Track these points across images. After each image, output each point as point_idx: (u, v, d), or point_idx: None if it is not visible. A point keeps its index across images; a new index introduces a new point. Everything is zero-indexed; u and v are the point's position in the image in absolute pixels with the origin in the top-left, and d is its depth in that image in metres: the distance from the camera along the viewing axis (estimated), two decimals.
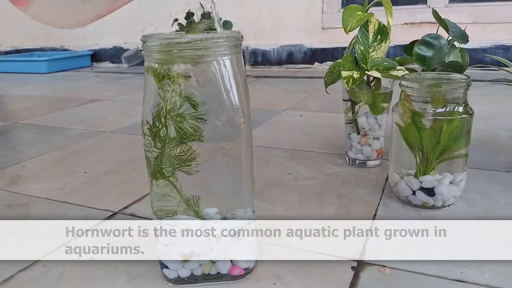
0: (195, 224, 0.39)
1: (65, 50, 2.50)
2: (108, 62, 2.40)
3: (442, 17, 0.60)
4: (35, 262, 0.46)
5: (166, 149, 0.37)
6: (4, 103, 1.44)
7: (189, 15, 1.94)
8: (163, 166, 0.38)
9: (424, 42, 0.58)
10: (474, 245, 0.46)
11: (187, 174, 0.38)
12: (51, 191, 0.65)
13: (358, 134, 0.69)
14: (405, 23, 1.74)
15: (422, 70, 0.60)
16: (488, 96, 1.17)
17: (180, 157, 0.37)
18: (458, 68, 0.58)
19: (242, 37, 0.38)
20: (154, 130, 0.37)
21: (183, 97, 0.36)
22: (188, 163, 0.37)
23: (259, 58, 2.04)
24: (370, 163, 0.70)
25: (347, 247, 0.47)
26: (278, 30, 2.00)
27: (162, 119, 0.36)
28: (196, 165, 0.37)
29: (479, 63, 1.54)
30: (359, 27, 0.62)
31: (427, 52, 0.58)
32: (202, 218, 0.39)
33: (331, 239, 0.49)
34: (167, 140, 0.37)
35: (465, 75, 0.52)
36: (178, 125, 0.36)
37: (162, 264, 0.41)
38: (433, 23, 1.70)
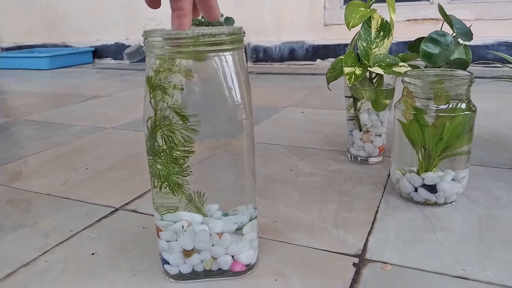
0: (196, 220, 0.39)
1: (67, 46, 2.50)
2: (110, 58, 2.40)
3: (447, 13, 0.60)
4: (37, 257, 0.46)
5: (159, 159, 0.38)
6: (5, 99, 1.44)
7: None
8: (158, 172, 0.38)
9: (431, 39, 0.58)
10: (476, 242, 0.46)
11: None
12: (53, 187, 0.65)
13: (360, 131, 0.69)
14: (407, 20, 1.73)
15: (425, 67, 0.60)
16: (490, 93, 1.16)
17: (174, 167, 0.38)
18: (462, 65, 0.57)
19: (244, 33, 0.37)
20: (148, 143, 0.37)
21: (172, 110, 0.36)
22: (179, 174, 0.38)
23: (261, 55, 2.04)
24: (372, 160, 0.70)
25: (349, 243, 0.47)
26: (280, 26, 1.99)
27: (153, 131, 0.37)
28: (188, 184, 0.38)
29: (482, 60, 1.53)
30: (361, 24, 0.62)
31: (433, 50, 0.57)
32: (204, 215, 0.39)
33: (332, 236, 0.48)
34: (159, 152, 0.37)
35: (468, 72, 0.52)
36: (168, 137, 0.36)
37: (164, 260, 0.41)
38: (436, 19, 1.69)
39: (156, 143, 0.37)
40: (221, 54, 0.36)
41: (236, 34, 0.36)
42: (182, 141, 0.36)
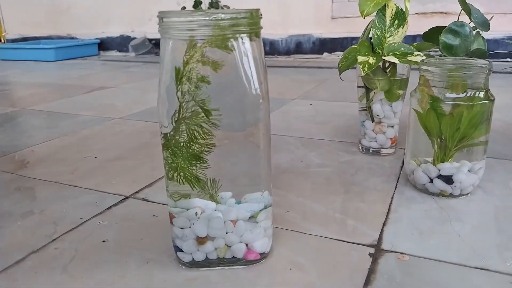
0: (210, 207, 0.38)
1: (72, 38, 2.49)
2: (115, 50, 2.39)
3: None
4: (47, 244, 0.46)
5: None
6: (12, 89, 1.44)
7: (197, 3, 1.92)
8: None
9: (450, 30, 0.57)
10: (494, 233, 0.45)
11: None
12: (61, 175, 0.65)
13: (372, 122, 0.68)
14: (416, 13, 1.71)
15: (440, 56, 0.59)
16: (501, 88, 1.15)
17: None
18: (482, 55, 0.56)
19: (261, 14, 0.36)
20: (167, 139, 0.37)
21: (198, 103, 0.35)
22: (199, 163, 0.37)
23: (267, 48, 2.02)
24: (384, 151, 0.69)
25: (364, 234, 0.46)
26: (287, 19, 1.98)
27: (176, 124, 0.36)
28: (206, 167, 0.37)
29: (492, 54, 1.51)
30: (376, 12, 0.61)
31: (453, 41, 0.56)
32: (217, 202, 0.39)
33: (347, 226, 0.48)
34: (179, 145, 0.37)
35: (487, 60, 0.51)
36: (190, 131, 0.36)
37: (177, 247, 0.40)
38: (445, 13, 1.68)
39: (177, 136, 0.36)
40: (237, 35, 0.35)
41: (253, 15, 0.35)
42: (203, 135, 0.36)
